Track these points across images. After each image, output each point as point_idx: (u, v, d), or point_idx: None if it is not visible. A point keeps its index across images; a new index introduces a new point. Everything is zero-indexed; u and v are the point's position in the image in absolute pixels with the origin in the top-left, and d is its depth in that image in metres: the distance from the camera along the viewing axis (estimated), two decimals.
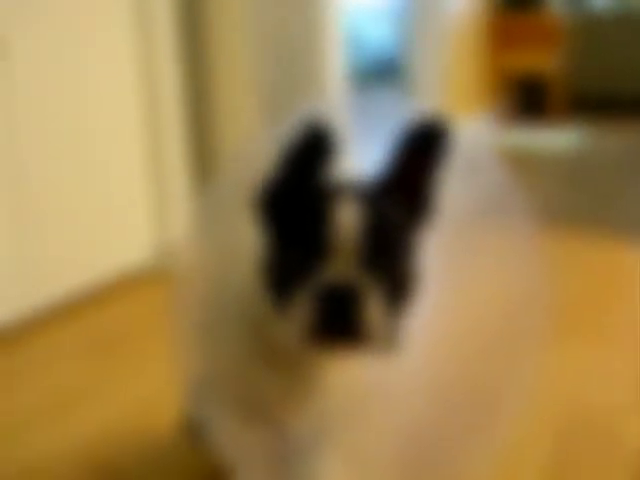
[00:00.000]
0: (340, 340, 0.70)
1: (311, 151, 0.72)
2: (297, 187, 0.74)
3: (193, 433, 1.11)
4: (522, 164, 3.83)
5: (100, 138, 2.05)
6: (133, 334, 1.75)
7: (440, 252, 0.85)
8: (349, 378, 0.86)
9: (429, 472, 0.96)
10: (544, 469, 1.18)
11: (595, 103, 5.29)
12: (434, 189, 0.79)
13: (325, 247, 0.70)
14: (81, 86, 1.98)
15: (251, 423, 0.85)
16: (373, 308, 0.70)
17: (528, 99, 5.58)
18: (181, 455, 1.22)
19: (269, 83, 2.76)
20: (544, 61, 5.06)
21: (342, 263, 0.70)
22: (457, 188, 0.82)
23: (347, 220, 0.70)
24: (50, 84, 1.89)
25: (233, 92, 2.35)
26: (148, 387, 1.47)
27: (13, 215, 1.80)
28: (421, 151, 0.77)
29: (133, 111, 2.13)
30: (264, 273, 0.77)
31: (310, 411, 0.85)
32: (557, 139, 4.44)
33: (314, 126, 0.71)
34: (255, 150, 0.91)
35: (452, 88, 4.26)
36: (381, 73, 6.55)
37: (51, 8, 1.86)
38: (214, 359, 0.87)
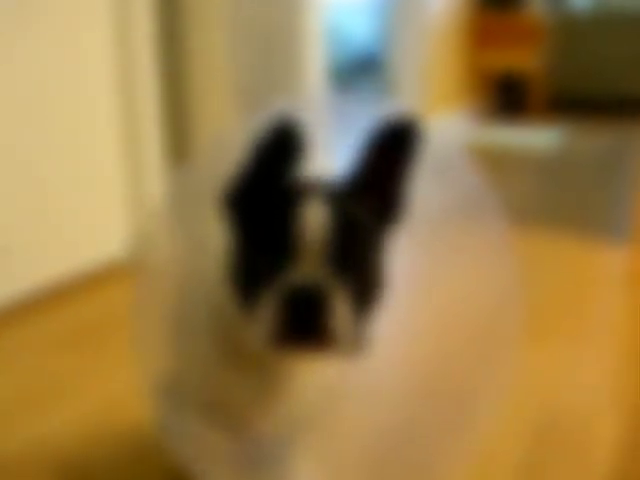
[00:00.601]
0: (306, 342, 0.69)
1: (279, 149, 0.71)
2: (263, 186, 0.73)
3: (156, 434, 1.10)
4: (501, 162, 3.84)
5: (73, 126, 2.01)
6: (105, 328, 1.72)
7: (412, 252, 0.84)
8: (318, 380, 0.84)
9: (403, 471, 0.95)
10: (518, 468, 1.17)
11: (574, 102, 5.33)
12: (404, 189, 0.78)
13: (291, 248, 0.69)
14: (53, 71, 1.93)
15: (217, 426, 0.83)
16: (340, 310, 0.68)
17: (508, 97, 5.60)
18: (151, 455, 1.20)
19: (247, 75, 2.75)
20: (524, 59, 5.08)
21: (309, 264, 0.69)
22: (429, 187, 0.81)
23: (314, 220, 0.69)
24: (21, 66, 1.85)
25: (210, 83, 2.33)
26: (120, 383, 1.45)
27: None
28: (390, 150, 0.75)
29: (108, 100, 2.09)
30: (230, 273, 0.75)
31: (278, 414, 0.84)
32: (536, 138, 4.46)
33: (283, 124, 0.69)
34: (227, 142, 0.89)
35: (432, 85, 4.26)
36: (361, 69, 6.55)
37: None
38: (180, 358, 0.86)
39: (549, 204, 2.96)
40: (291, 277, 0.69)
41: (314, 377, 0.83)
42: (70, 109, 1.98)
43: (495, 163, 3.82)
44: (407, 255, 0.82)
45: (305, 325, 0.68)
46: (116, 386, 1.45)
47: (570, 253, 2.29)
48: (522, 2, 5.24)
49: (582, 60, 5.33)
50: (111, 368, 1.52)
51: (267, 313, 0.68)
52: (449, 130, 4.53)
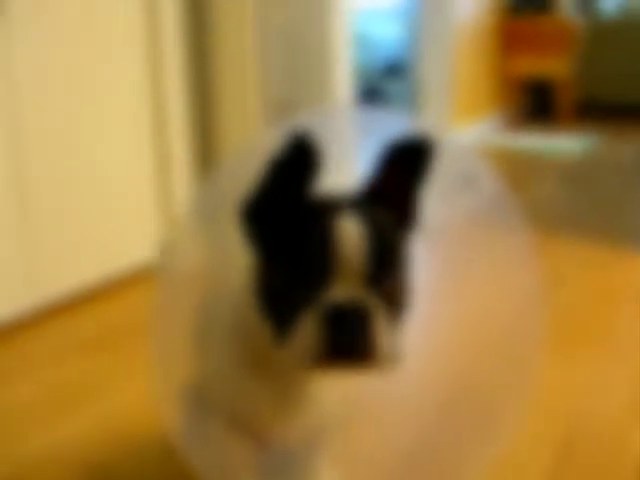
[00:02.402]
0: (348, 360, 0.67)
1: (296, 165, 0.69)
2: (281, 201, 0.72)
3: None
4: (530, 169, 3.81)
5: (104, 134, 2.03)
6: (133, 333, 1.73)
7: (434, 264, 0.84)
8: (337, 390, 0.84)
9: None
10: (545, 478, 1.16)
11: (604, 108, 5.27)
12: (417, 203, 0.77)
13: (328, 264, 0.67)
14: (86, 79, 1.96)
15: (240, 434, 0.84)
16: (381, 326, 0.67)
17: (537, 103, 5.56)
18: (175, 459, 1.20)
19: (275, 81, 2.76)
20: (553, 65, 5.03)
21: (347, 280, 0.67)
22: (451, 198, 0.80)
23: (350, 235, 0.68)
24: (54, 74, 1.87)
25: (238, 91, 2.34)
26: (146, 387, 1.46)
27: (15, 212, 1.79)
28: (404, 165, 0.74)
29: (138, 108, 2.12)
30: (258, 290, 0.74)
31: (299, 423, 0.84)
32: (565, 144, 4.42)
33: (300, 139, 0.68)
34: (253, 151, 0.89)
35: (460, 90, 4.24)
36: (389, 74, 6.54)
37: None
38: (204, 367, 0.86)
39: (578, 211, 2.92)
40: (332, 295, 0.67)
41: (334, 388, 0.84)
42: (102, 117, 2.01)
43: (524, 169, 3.78)
44: (429, 266, 0.82)
45: (348, 343, 0.66)
46: (143, 389, 1.45)
47: (598, 260, 2.26)
48: (551, 8, 5.20)
49: (611, 66, 5.27)
50: (138, 372, 1.53)
51: (307, 332, 0.67)
52: (475, 136, 4.51)
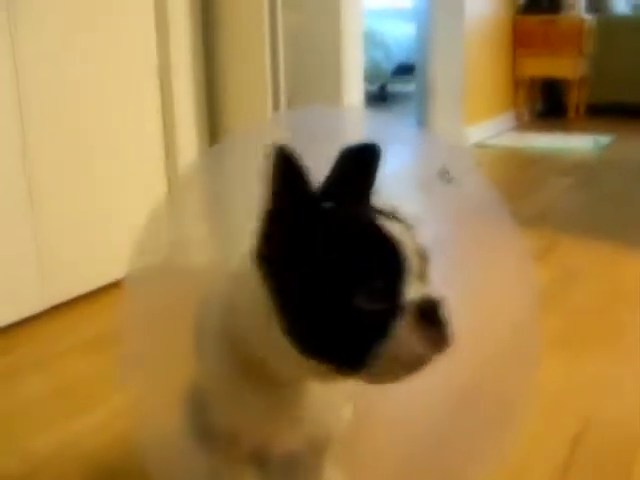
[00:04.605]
0: (439, 354, 0.66)
1: (292, 175, 0.65)
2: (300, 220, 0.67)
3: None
4: (541, 169, 3.79)
5: (116, 133, 2.04)
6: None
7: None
8: (336, 396, 0.83)
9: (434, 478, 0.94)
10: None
11: (615, 108, 5.24)
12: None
13: (398, 269, 0.65)
14: (101, 79, 1.96)
15: (235, 441, 0.82)
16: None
17: (549, 103, 5.53)
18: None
19: (286, 80, 2.75)
20: (565, 65, 5.01)
21: (415, 281, 0.66)
22: (442, 199, 0.79)
23: (406, 236, 0.66)
24: (63, 61, 1.87)
25: (248, 92, 2.33)
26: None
27: (27, 209, 1.80)
28: (354, 169, 0.73)
29: (151, 106, 2.12)
30: (299, 323, 0.67)
31: (298, 432, 0.82)
32: (578, 144, 4.40)
33: (282, 151, 0.64)
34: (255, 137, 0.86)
35: (472, 90, 4.23)
36: (401, 74, 6.53)
37: None
38: (201, 375, 0.84)
39: (590, 209, 2.91)
40: (414, 295, 0.65)
41: (338, 390, 0.82)
42: (112, 114, 2.01)
43: (536, 169, 3.77)
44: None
45: (444, 337, 0.65)
46: None
47: (612, 259, 2.25)
48: (563, 8, 5.17)
49: (624, 65, 5.23)
50: None
51: (405, 339, 0.64)
52: (486, 136, 4.49)
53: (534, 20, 5.02)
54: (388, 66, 6.54)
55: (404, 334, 0.64)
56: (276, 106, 2.24)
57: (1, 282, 1.75)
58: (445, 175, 0.81)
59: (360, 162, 0.73)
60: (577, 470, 1.18)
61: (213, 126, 2.32)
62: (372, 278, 0.63)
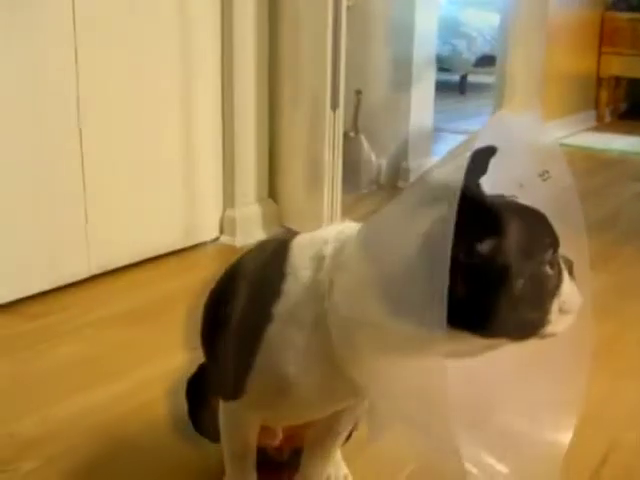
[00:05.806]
0: None
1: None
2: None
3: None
4: (615, 172, 3.65)
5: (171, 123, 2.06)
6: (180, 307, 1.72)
7: None
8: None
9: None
10: None
11: None
12: None
13: (557, 242, 0.75)
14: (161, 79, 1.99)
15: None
16: None
17: (633, 105, 5.32)
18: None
19: (359, 71, 2.73)
20: None
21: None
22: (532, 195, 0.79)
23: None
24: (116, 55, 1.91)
25: (310, 85, 2.30)
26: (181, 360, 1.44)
27: (79, 179, 1.84)
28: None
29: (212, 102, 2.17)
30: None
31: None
32: None
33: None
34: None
35: (552, 85, 4.11)
36: (484, 64, 6.39)
37: None
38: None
39: None
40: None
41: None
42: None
43: (608, 172, 3.63)
44: None
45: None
46: (177, 363, 1.43)
47: None
48: None
49: None
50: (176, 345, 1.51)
51: (566, 292, 0.75)
52: (564, 134, 4.36)
53: (623, 17, 4.82)
54: (470, 56, 6.41)
55: (567, 288, 0.75)
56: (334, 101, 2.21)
57: (48, 247, 1.80)
58: (545, 174, 0.84)
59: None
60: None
61: (271, 115, 2.33)
62: (550, 249, 0.74)
